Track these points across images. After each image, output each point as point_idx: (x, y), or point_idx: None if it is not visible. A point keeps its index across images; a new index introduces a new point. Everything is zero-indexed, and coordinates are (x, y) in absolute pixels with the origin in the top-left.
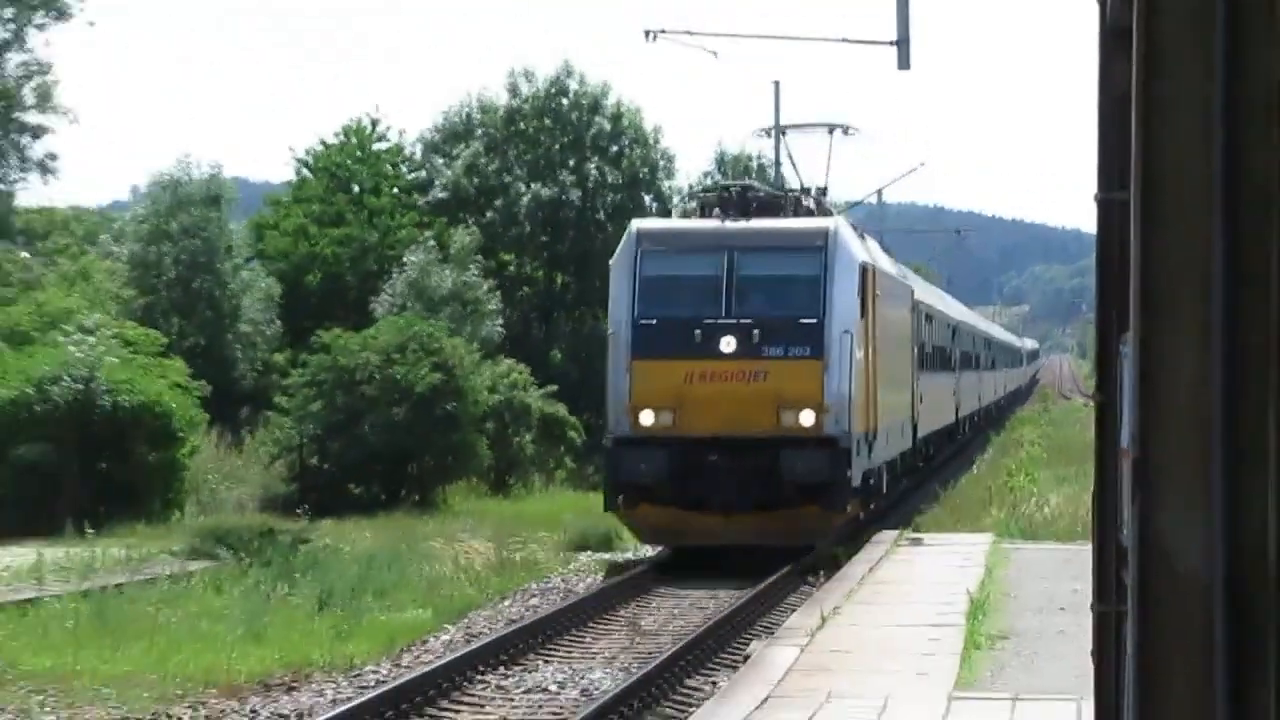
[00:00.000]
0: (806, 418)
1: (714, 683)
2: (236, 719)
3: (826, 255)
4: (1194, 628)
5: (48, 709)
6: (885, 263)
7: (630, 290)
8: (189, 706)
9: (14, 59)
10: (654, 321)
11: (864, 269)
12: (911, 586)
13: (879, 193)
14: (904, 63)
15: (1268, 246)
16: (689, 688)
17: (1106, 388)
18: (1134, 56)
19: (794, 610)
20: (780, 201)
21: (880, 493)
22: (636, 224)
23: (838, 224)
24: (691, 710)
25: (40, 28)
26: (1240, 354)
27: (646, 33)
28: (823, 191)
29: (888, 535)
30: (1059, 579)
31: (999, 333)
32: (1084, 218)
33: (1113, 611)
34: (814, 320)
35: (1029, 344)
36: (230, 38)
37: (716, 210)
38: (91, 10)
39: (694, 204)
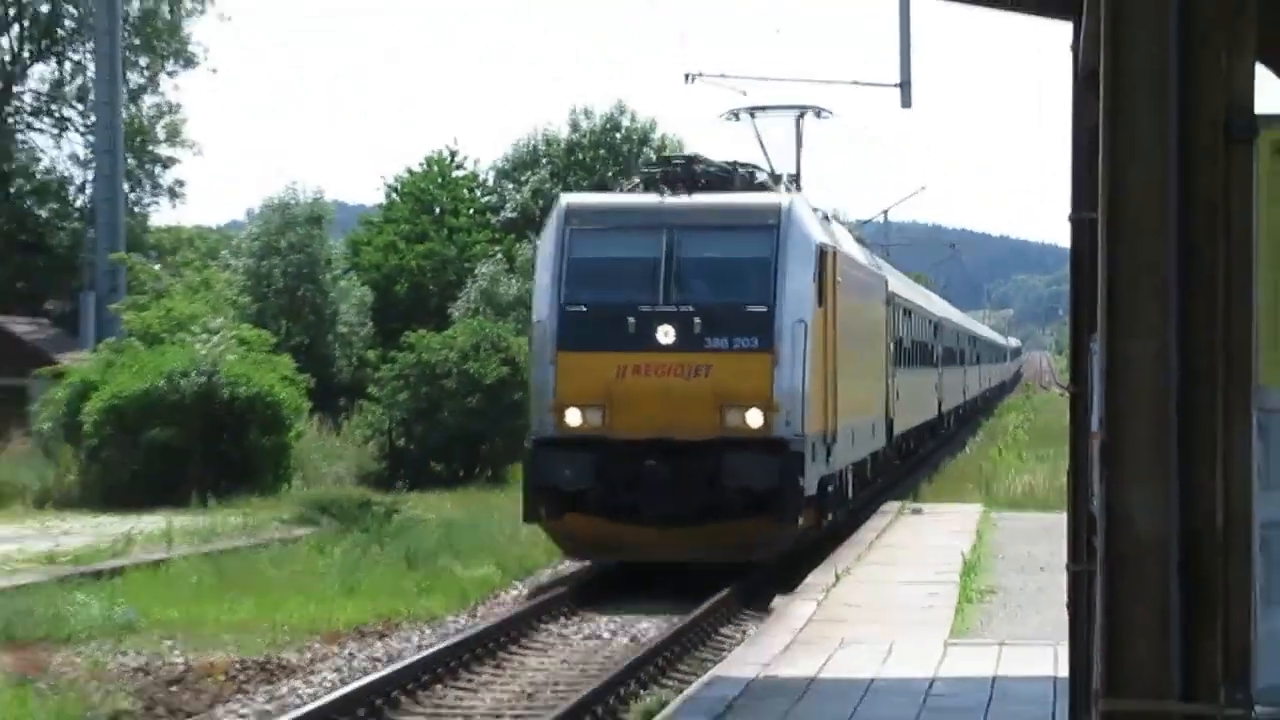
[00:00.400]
0: (753, 418)
1: (744, 631)
2: (336, 661)
3: (779, 235)
4: (1152, 586)
5: (176, 652)
6: (852, 249)
7: (556, 273)
8: (296, 650)
9: (148, 101)
10: (582, 309)
11: (822, 251)
12: (913, 550)
13: (885, 213)
14: (906, 102)
15: (1214, 259)
16: (723, 635)
17: (1079, 380)
18: (1101, 97)
19: (813, 570)
20: (730, 176)
21: (845, 498)
22: (565, 198)
23: (792, 200)
24: (725, 654)
25: (171, 74)
26: (1191, 351)
27: (686, 75)
28: (794, 178)
29: (892, 506)
30: (1039, 543)
31: (984, 331)
32: (1059, 234)
33: (1085, 571)
34: (763, 308)
35: (1013, 342)
36: (332, 81)
37: (664, 188)
38: (214, 59)
39: (636, 180)
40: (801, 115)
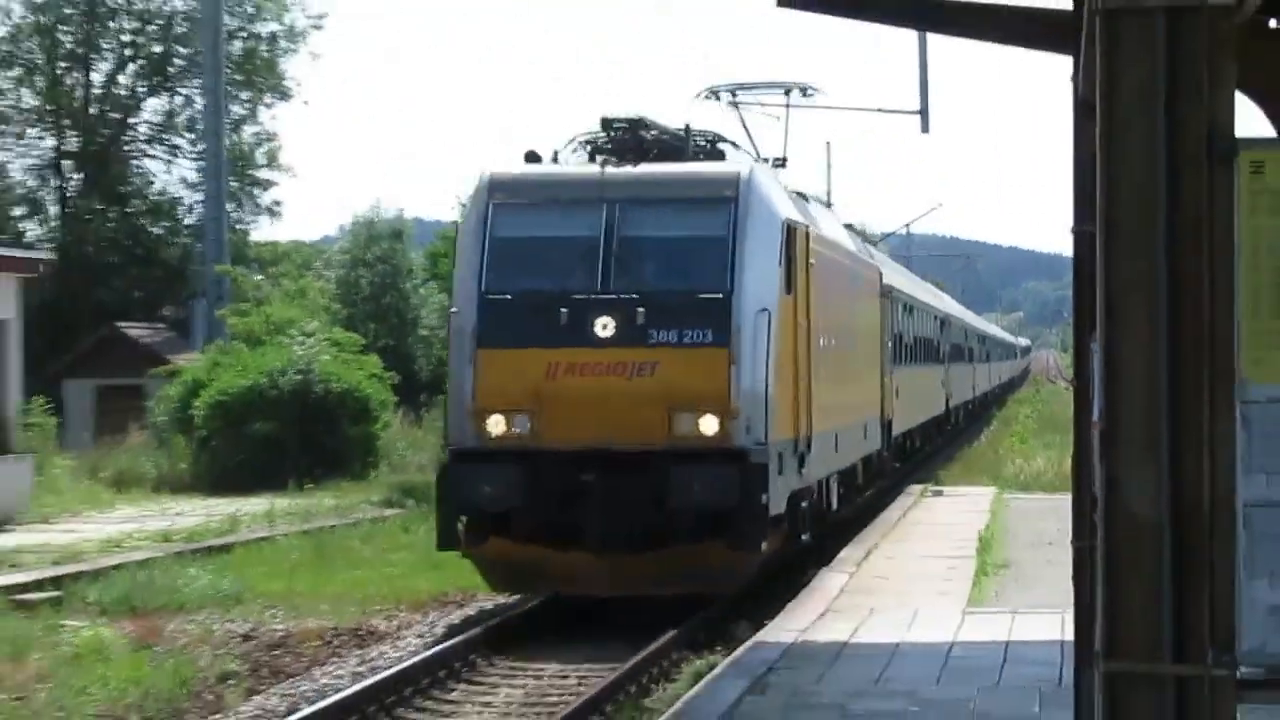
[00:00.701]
0: (708, 424)
1: (785, 602)
2: (420, 627)
3: (737, 210)
4: (1147, 560)
5: (277, 620)
6: (835, 232)
7: (478, 256)
8: (384, 618)
9: (249, 130)
10: (507, 297)
11: (790, 229)
12: (935, 527)
13: (907, 227)
14: (925, 127)
15: (1199, 267)
16: (769, 603)
17: (1082, 375)
18: (1098, 123)
19: (845, 546)
20: (683, 144)
21: (826, 512)
22: (489, 170)
23: (753, 170)
24: (768, 621)
25: (269, 106)
26: (1179, 349)
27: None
28: (780, 162)
29: (915, 488)
30: (1047, 521)
31: (995, 330)
32: (1064, 244)
33: (1087, 546)
34: (718, 295)
35: (1023, 341)
36: (409, 110)
37: (606, 157)
38: (306, 91)
39: (577, 151)
40: (788, 93)
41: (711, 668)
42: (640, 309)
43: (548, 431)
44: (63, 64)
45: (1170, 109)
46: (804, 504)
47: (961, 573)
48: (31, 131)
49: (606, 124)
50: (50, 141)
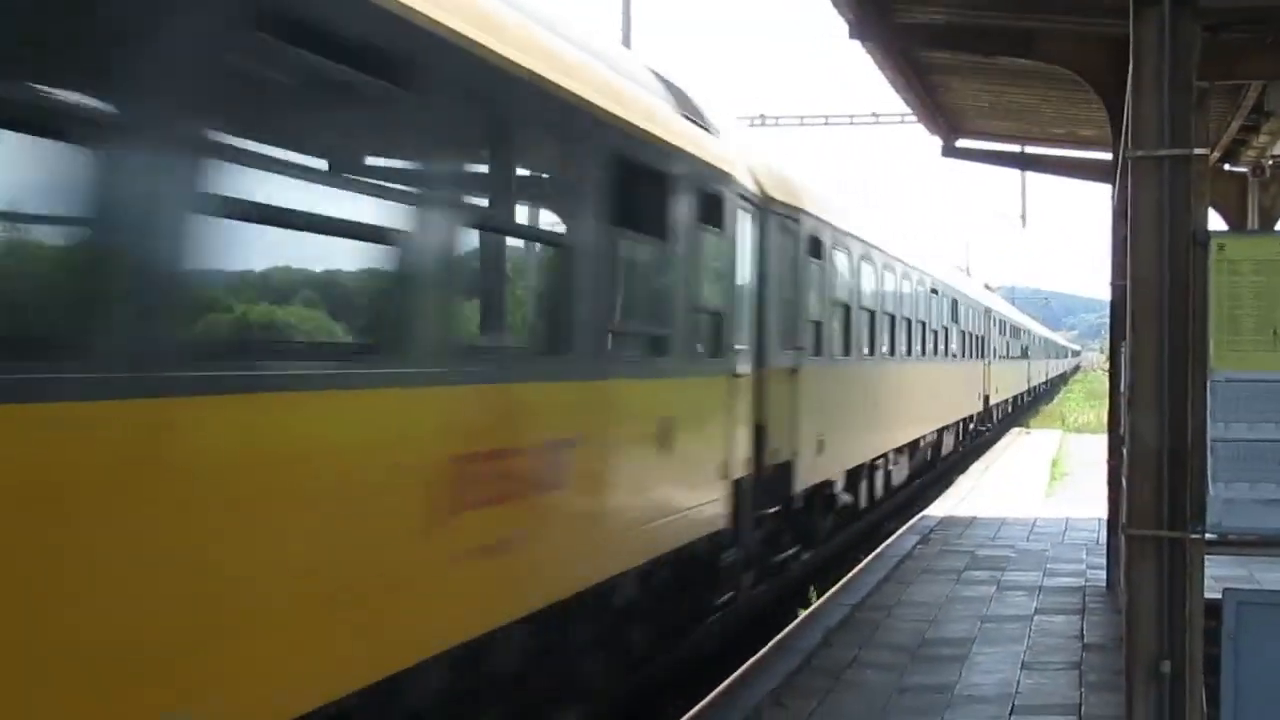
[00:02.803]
0: None
1: (935, 497)
2: None
3: None
4: (1153, 470)
5: None
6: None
7: None
8: None
9: None
10: None
11: None
12: (1025, 452)
13: (1012, 286)
14: (1024, 225)
15: (1186, 304)
16: (925, 500)
17: (1115, 365)
18: (1128, 223)
19: (975, 462)
20: None
21: None
22: None
23: None
24: (927, 506)
25: None
26: (1175, 350)
27: None
28: None
29: (1015, 430)
30: (1092, 450)
31: (1059, 339)
32: (1102, 291)
33: (1118, 464)
34: None
35: (1075, 346)
36: None
37: None
38: None
39: None
40: None
41: (892, 532)
42: None
43: None
44: None
45: (1170, 215)
46: None
47: (1041, 478)
48: None
49: None
50: None
